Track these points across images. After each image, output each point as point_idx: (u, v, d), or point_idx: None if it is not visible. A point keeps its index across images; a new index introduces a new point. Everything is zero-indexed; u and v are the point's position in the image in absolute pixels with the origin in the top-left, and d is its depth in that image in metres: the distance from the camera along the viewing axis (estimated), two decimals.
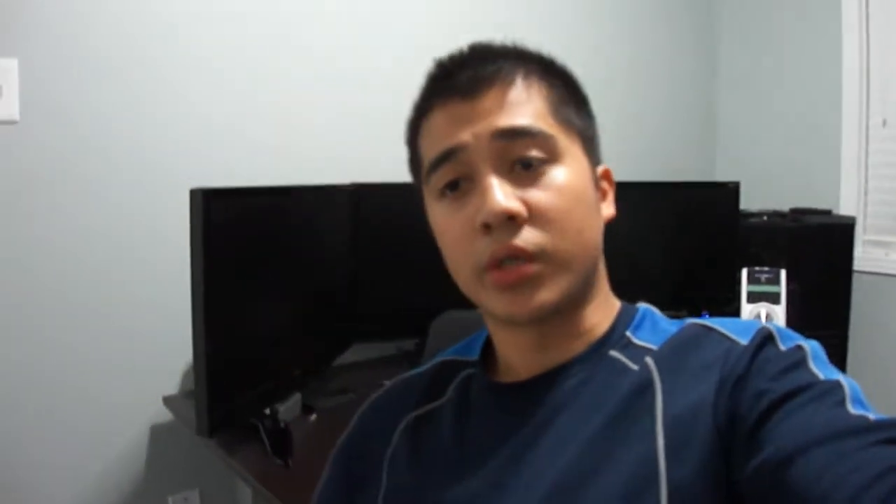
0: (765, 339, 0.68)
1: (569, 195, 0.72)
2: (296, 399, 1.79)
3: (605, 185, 0.81)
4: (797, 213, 2.75)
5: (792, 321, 2.13)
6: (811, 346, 0.67)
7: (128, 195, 1.94)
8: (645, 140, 2.94)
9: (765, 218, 2.73)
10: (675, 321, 0.78)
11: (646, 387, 0.70)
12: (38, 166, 1.82)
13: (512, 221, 0.69)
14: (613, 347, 0.76)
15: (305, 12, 2.23)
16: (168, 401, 1.98)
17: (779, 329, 0.69)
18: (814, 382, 0.62)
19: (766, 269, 2.19)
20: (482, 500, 0.72)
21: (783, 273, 2.16)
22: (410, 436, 0.83)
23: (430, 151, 0.75)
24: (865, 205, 2.84)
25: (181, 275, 1.48)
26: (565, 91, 0.78)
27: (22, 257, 1.81)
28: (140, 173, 1.95)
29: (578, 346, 0.76)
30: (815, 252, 2.60)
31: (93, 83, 1.88)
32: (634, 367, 0.73)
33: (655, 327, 0.78)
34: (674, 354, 0.72)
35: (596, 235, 0.76)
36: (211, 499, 2.14)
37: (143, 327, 1.98)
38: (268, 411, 1.66)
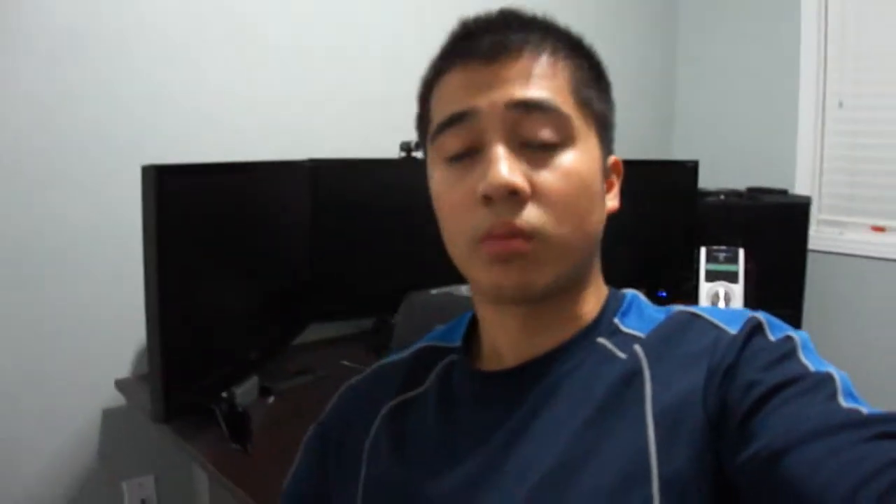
0: (754, 328, 0.67)
1: (576, 180, 0.69)
2: (253, 382, 1.75)
3: (612, 176, 0.79)
4: (754, 192, 2.78)
5: (749, 300, 2.15)
6: (801, 337, 0.66)
7: (80, 174, 1.88)
8: None
9: (722, 197, 2.76)
10: (662, 308, 0.77)
11: (634, 375, 0.68)
12: None
13: (514, 197, 0.66)
14: (601, 335, 0.74)
15: None
16: (121, 384, 1.93)
17: (768, 319, 0.69)
18: (805, 374, 0.61)
19: (724, 248, 2.20)
20: (469, 491, 0.70)
21: (741, 252, 2.18)
22: (391, 424, 0.81)
23: (440, 112, 0.72)
24: (820, 185, 2.89)
25: (135, 254, 1.43)
26: (590, 73, 0.75)
27: None
28: (93, 151, 1.89)
29: (566, 333, 0.75)
30: (772, 231, 2.64)
31: (48, 64, 1.81)
32: (622, 355, 0.71)
33: (642, 314, 0.77)
34: (662, 342, 0.71)
35: (596, 226, 0.73)
36: (166, 484, 2.10)
37: (95, 308, 1.92)
38: (224, 395, 1.62)
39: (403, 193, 1.86)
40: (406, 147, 2.20)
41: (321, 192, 2.11)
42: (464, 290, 1.99)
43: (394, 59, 2.35)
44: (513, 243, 0.67)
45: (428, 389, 0.82)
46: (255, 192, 1.79)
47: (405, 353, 0.89)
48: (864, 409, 0.57)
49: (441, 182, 0.73)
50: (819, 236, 2.83)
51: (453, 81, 0.72)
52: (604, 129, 0.75)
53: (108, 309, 1.93)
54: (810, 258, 2.72)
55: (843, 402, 0.58)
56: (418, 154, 2.03)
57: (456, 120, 0.70)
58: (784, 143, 2.94)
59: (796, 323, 2.63)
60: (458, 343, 0.84)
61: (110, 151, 1.91)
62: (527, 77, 0.69)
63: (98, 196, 1.90)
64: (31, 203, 1.82)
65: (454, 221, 0.71)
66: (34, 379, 1.85)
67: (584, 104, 0.72)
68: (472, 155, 0.70)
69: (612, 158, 0.78)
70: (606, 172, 0.77)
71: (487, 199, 0.67)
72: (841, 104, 2.79)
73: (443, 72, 0.74)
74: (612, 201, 0.78)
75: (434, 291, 1.33)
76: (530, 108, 0.68)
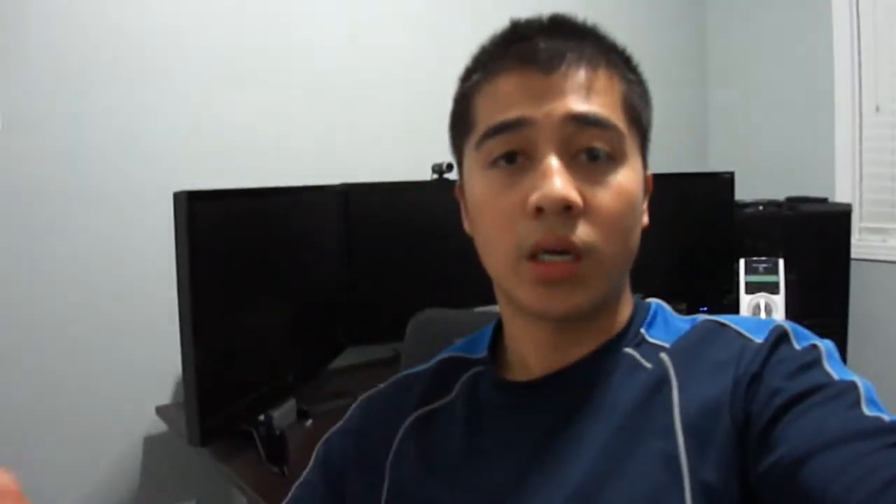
0: (780, 337, 0.66)
1: (625, 198, 0.68)
2: (290, 405, 1.76)
3: (646, 192, 0.78)
4: (793, 201, 2.73)
5: (790, 310, 2.11)
6: (826, 346, 0.66)
7: (115, 201, 1.92)
8: None
9: (760, 208, 2.71)
10: (687, 318, 0.77)
11: (661, 383, 0.68)
12: (21, 176, 1.79)
13: (567, 211, 0.65)
14: (628, 345, 0.74)
15: (293, 11, 2.21)
16: (161, 410, 1.95)
17: (793, 327, 0.68)
18: (829, 382, 0.61)
19: (763, 258, 2.17)
20: (501, 500, 0.69)
21: (781, 263, 2.14)
22: (415, 435, 0.80)
23: (490, 116, 0.70)
24: (861, 192, 2.83)
25: (171, 281, 1.45)
26: (639, 88, 0.74)
27: (9, 269, 1.79)
28: (126, 179, 1.93)
29: (594, 344, 0.74)
30: (812, 241, 2.59)
31: (74, 90, 1.86)
32: (648, 364, 0.71)
33: (668, 324, 0.76)
34: (688, 351, 0.70)
35: (637, 241, 0.72)
36: None
37: (134, 336, 1.95)
38: (262, 418, 1.63)
39: (436, 215, 1.85)
40: (438, 169, 2.21)
41: (354, 215, 2.12)
42: (493, 309, 1.99)
43: (423, 81, 2.37)
44: (563, 266, 0.66)
45: (454, 400, 0.81)
46: (287, 217, 1.80)
47: (427, 366, 0.88)
48: (887, 417, 0.57)
49: (486, 189, 0.71)
50: (862, 244, 2.76)
51: (507, 86, 0.70)
52: (645, 146, 0.75)
53: (148, 336, 1.96)
54: (853, 267, 2.66)
55: (867, 410, 0.58)
56: (450, 175, 2.03)
57: (508, 127, 0.68)
58: (822, 150, 2.89)
59: (842, 332, 2.58)
60: (483, 354, 0.83)
61: (148, 178, 1.95)
62: (585, 90, 0.68)
63: (133, 223, 1.94)
64: (68, 228, 1.86)
65: (499, 230, 0.69)
66: (76, 407, 1.88)
67: (634, 121, 0.72)
68: (520, 161, 0.68)
69: (647, 173, 0.77)
70: (646, 187, 0.76)
71: (539, 212, 0.65)
72: (878, 108, 2.73)
73: (494, 74, 0.71)
74: (645, 216, 0.77)
75: (442, 311, 1.32)
76: (588, 123, 0.67)
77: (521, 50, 0.69)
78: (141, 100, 1.95)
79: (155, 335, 1.94)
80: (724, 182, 2.65)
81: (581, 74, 0.68)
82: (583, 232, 0.66)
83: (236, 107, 2.11)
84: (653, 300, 0.81)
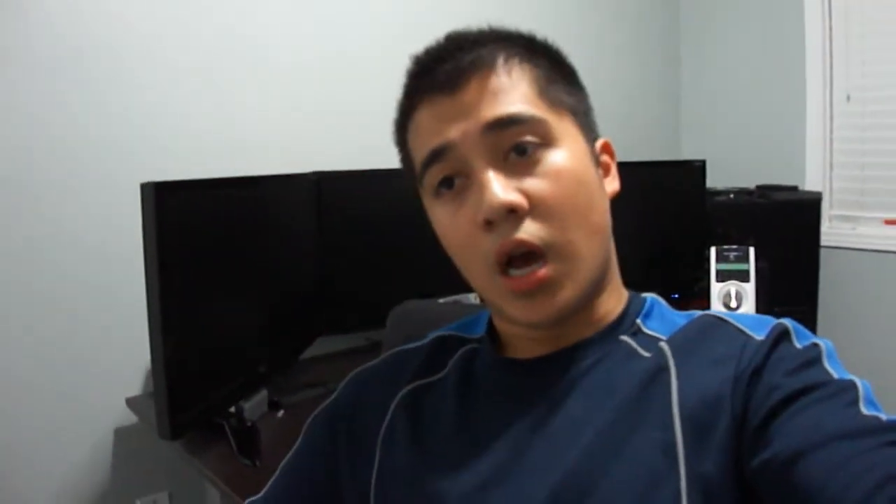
0: (781, 335, 0.67)
1: (568, 179, 0.69)
2: (262, 396, 1.75)
3: (605, 158, 0.79)
4: (764, 189, 2.76)
5: (760, 298, 2.13)
6: (826, 345, 0.66)
7: (84, 191, 1.89)
8: (609, 119, 2.86)
9: (731, 196, 2.74)
10: (683, 313, 0.77)
11: (660, 371, 0.69)
12: None
13: (513, 214, 0.66)
14: (624, 333, 0.75)
15: (263, 1, 2.18)
16: (131, 402, 1.93)
17: (794, 326, 0.69)
18: (828, 381, 0.62)
19: (734, 247, 2.18)
20: (489, 485, 0.70)
21: (752, 251, 2.15)
22: (408, 409, 0.81)
23: (419, 151, 0.73)
24: (831, 180, 2.86)
25: (140, 272, 1.43)
26: (551, 69, 0.74)
27: None
28: (95, 169, 1.90)
29: (589, 331, 0.75)
30: (783, 228, 2.61)
31: (46, 76, 1.82)
32: (646, 353, 0.71)
33: (664, 318, 0.77)
34: (688, 343, 0.71)
35: (603, 216, 0.73)
36: (181, 501, 2.10)
37: (104, 326, 1.93)
38: (233, 410, 1.62)
39: (409, 203, 1.84)
40: None
41: (327, 204, 2.11)
42: (471, 297, 1.98)
43: (397, 69, 2.33)
44: (532, 277, 0.67)
45: (448, 375, 0.81)
46: (258, 206, 1.78)
47: (421, 343, 0.88)
48: (884, 417, 0.57)
49: (440, 218, 0.73)
50: (832, 232, 2.80)
51: (422, 118, 0.72)
52: (581, 117, 0.75)
53: (117, 327, 1.93)
54: (823, 254, 2.70)
55: (864, 410, 0.59)
56: None
57: (436, 156, 0.70)
58: (792, 139, 2.92)
59: (812, 319, 2.61)
60: (479, 334, 0.84)
61: (115, 168, 1.92)
62: (489, 95, 0.69)
63: (105, 213, 1.91)
64: (36, 219, 1.83)
65: (465, 254, 0.72)
66: (45, 399, 1.86)
67: (554, 102, 0.72)
68: (459, 182, 0.70)
69: (600, 142, 0.78)
70: (597, 158, 0.76)
71: (489, 224, 0.67)
72: (849, 98, 2.76)
73: (410, 111, 0.74)
74: (612, 184, 0.78)
75: (422, 302, 1.32)
76: (504, 125, 0.68)
77: (425, 82, 0.72)
78: (108, 90, 1.92)
79: (125, 326, 1.91)
80: (695, 170, 2.67)
81: (482, 82, 0.69)
82: (534, 229, 0.67)
83: (205, 96, 2.08)
84: (648, 294, 0.81)
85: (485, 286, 0.72)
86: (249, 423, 1.57)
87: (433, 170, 0.71)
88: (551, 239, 0.67)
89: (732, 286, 2.16)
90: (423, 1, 2.50)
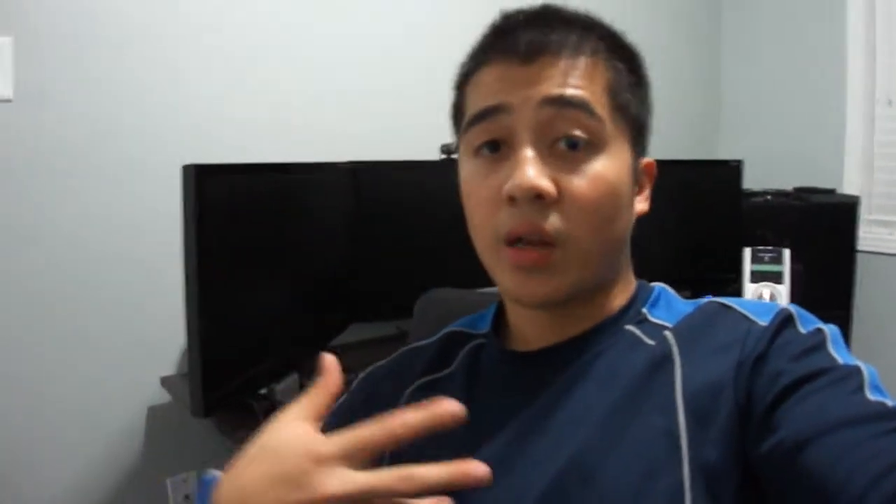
0: (785, 320, 0.67)
1: (603, 187, 0.69)
2: (293, 379, 1.77)
3: (644, 179, 0.79)
4: (801, 192, 2.72)
5: (795, 301, 2.10)
6: (830, 331, 0.66)
7: (123, 173, 1.92)
8: None
9: (768, 197, 2.71)
10: (690, 301, 0.77)
11: (664, 360, 0.69)
12: (31, 145, 1.79)
13: (539, 200, 0.67)
14: (629, 322, 0.75)
15: None
16: (166, 381, 1.96)
17: (799, 311, 0.69)
18: (833, 367, 0.61)
19: (769, 248, 2.17)
20: (495, 473, 0.70)
21: (786, 252, 2.14)
22: (416, 403, 0.81)
23: (473, 105, 0.73)
24: (870, 184, 2.81)
25: (178, 254, 1.45)
26: (629, 75, 0.74)
27: (15, 238, 1.79)
28: (135, 151, 1.93)
29: (595, 321, 0.75)
30: (819, 232, 2.59)
31: (88, 61, 1.85)
32: (651, 342, 0.72)
33: (671, 306, 0.77)
34: (692, 331, 0.71)
35: (622, 230, 0.73)
36: None
37: (141, 307, 1.96)
38: (264, 391, 1.64)
39: (443, 195, 1.84)
40: (446, 149, 2.21)
41: (362, 193, 2.12)
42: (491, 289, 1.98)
43: (435, 59, 2.34)
44: (535, 254, 0.67)
45: (455, 370, 0.83)
46: (295, 193, 1.81)
47: (431, 339, 0.89)
48: (889, 402, 0.57)
49: (469, 176, 0.73)
50: (868, 236, 2.76)
51: (489, 76, 0.72)
52: (637, 133, 0.75)
53: (154, 307, 1.96)
54: (860, 259, 2.66)
55: (870, 395, 0.58)
56: (458, 156, 2.03)
57: (487, 114, 0.70)
58: (832, 141, 2.88)
59: (846, 325, 2.58)
60: (486, 329, 0.85)
61: (152, 152, 1.94)
62: (563, 77, 0.69)
63: (142, 195, 1.94)
64: (70, 203, 1.86)
65: (479, 217, 0.72)
66: (80, 377, 1.89)
67: (619, 108, 0.72)
68: (503, 152, 0.70)
69: (643, 161, 0.78)
70: (637, 176, 0.76)
71: (512, 200, 0.67)
72: (890, 102, 2.72)
73: (480, 64, 0.74)
74: (642, 204, 0.78)
75: (450, 291, 1.32)
76: (564, 105, 0.68)
77: (504, 42, 0.71)
78: (151, 73, 1.94)
79: (161, 307, 1.94)
80: (732, 170, 2.65)
81: (561, 63, 0.69)
82: (555, 220, 0.67)
83: (248, 82, 2.10)
84: (657, 284, 0.81)
85: (488, 254, 0.72)
86: (279, 405, 1.59)
87: (479, 128, 0.71)
88: (567, 234, 0.67)
89: (766, 288, 2.15)
90: None
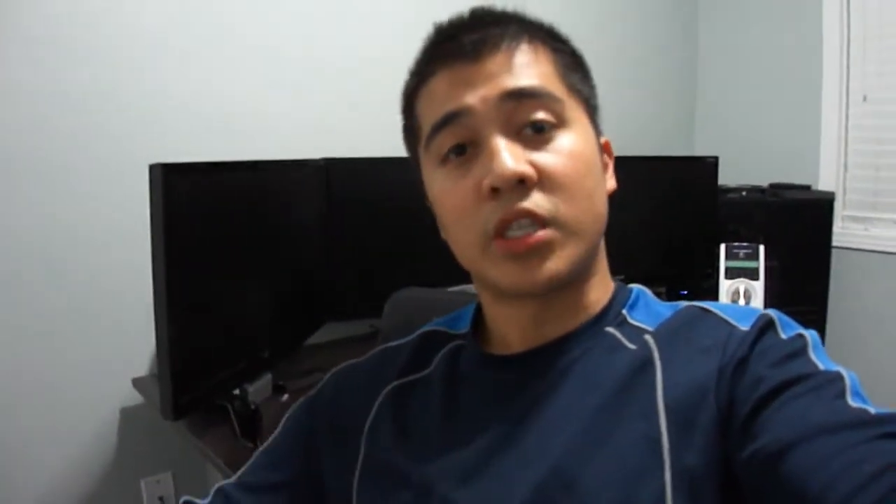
0: (766, 325, 0.67)
1: (579, 160, 0.70)
2: (266, 379, 1.76)
3: (605, 157, 0.79)
4: (776, 188, 2.74)
5: (770, 297, 2.12)
6: (811, 336, 0.66)
7: (91, 174, 1.89)
8: (623, 114, 2.84)
9: (743, 193, 2.72)
10: (668, 304, 0.77)
11: (645, 364, 0.69)
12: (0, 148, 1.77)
13: (521, 185, 0.67)
14: (610, 324, 0.75)
15: None
16: (138, 383, 1.95)
17: (779, 316, 0.68)
18: (814, 372, 0.61)
19: (744, 244, 2.17)
20: (473, 477, 0.70)
21: (762, 249, 2.14)
22: (394, 405, 0.81)
23: (430, 116, 0.72)
24: (845, 180, 2.83)
25: (147, 254, 1.43)
26: (570, 58, 0.76)
27: None
28: (105, 153, 1.91)
29: (575, 322, 0.75)
30: (794, 228, 2.60)
31: (53, 62, 1.82)
32: (631, 346, 0.71)
33: (649, 308, 0.77)
34: (672, 335, 0.71)
35: (603, 204, 0.74)
36: (184, 481, 2.11)
37: (111, 308, 1.94)
38: (237, 392, 1.63)
39: (417, 191, 1.85)
40: None
41: (335, 190, 2.11)
42: (469, 288, 1.98)
43: (406, 56, 2.33)
44: (528, 238, 0.67)
45: (433, 372, 0.82)
46: (266, 191, 1.79)
47: (407, 339, 0.89)
48: (872, 409, 0.57)
49: (442, 183, 0.73)
50: (844, 233, 2.78)
51: (440, 84, 0.72)
52: (592, 111, 0.76)
53: (125, 308, 1.94)
54: (835, 255, 2.68)
55: (851, 402, 0.58)
56: None
57: (450, 119, 0.70)
58: (807, 138, 2.90)
59: (821, 321, 2.60)
60: (465, 329, 0.84)
61: (121, 152, 1.92)
62: (512, 67, 0.70)
63: (109, 197, 1.92)
64: (39, 204, 1.83)
65: (461, 221, 0.71)
66: (51, 379, 1.87)
67: (571, 88, 0.73)
68: (469, 151, 0.70)
69: (603, 139, 0.79)
70: (601, 153, 0.77)
71: (495, 192, 0.67)
72: (865, 98, 2.73)
73: (427, 77, 0.74)
74: (610, 181, 0.79)
75: (421, 290, 1.32)
76: (523, 96, 0.69)
77: (447, 48, 0.72)
78: (122, 74, 1.92)
79: (133, 308, 1.93)
80: (708, 166, 2.66)
81: (505, 54, 0.70)
82: (541, 200, 0.67)
83: (216, 82, 2.08)
84: (635, 285, 0.81)
85: (475, 256, 0.71)
86: (253, 406, 1.58)
87: (444, 134, 0.71)
88: (556, 211, 0.67)
89: (741, 284, 2.15)
90: None
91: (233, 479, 0.87)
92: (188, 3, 2.03)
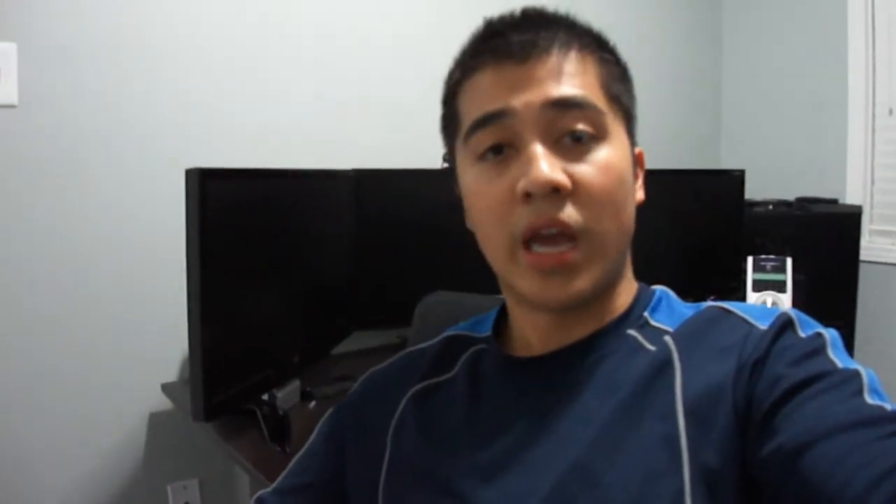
0: (784, 324, 0.67)
1: (613, 174, 0.70)
2: (294, 386, 1.77)
3: (637, 168, 0.80)
4: (803, 202, 2.72)
5: (797, 310, 2.11)
6: (830, 335, 0.66)
7: (125, 179, 1.93)
8: (649, 127, 2.84)
9: (770, 207, 2.71)
10: (691, 304, 0.77)
11: (665, 365, 0.69)
12: (35, 151, 1.81)
13: (555, 194, 0.67)
14: (631, 327, 0.75)
15: None
16: (167, 388, 1.96)
17: (798, 315, 0.69)
18: (832, 371, 0.61)
19: (771, 257, 2.16)
20: (495, 476, 0.71)
21: (789, 261, 2.13)
22: (418, 406, 0.82)
23: (472, 111, 0.73)
24: (872, 194, 2.81)
25: (180, 259, 1.45)
26: (616, 68, 0.76)
27: (18, 243, 1.80)
28: (138, 158, 1.94)
29: (598, 325, 0.75)
30: (821, 241, 2.58)
31: (91, 67, 1.86)
32: (652, 347, 0.72)
33: (672, 310, 0.77)
34: (692, 335, 0.71)
35: (631, 218, 0.74)
36: (210, 487, 2.12)
37: (142, 313, 1.96)
38: (266, 397, 1.64)
39: (446, 203, 1.85)
40: (448, 158, 2.21)
41: (365, 201, 2.13)
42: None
43: (438, 67, 2.34)
44: (557, 256, 0.68)
45: (456, 375, 0.83)
46: (298, 200, 1.80)
47: (432, 342, 0.90)
48: (888, 406, 0.57)
49: (476, 181, 0.73)
50: (871, 246, 2.75)
51: (485, 81, 0.72)
52: (630, 122, 0.76)
53: (155, 314, 1.97)
54: (862, 269, 2.65)
55: (869, 399, 0.58)
56: None
57: (491, 119, 0.70)
58: (833, 152, 2.88)
59: (848, 335, 2.57)
60: (487, 333, 0.85)
61: (157, 159, 1.95)
62: (559, 75, 0.70)
63: (143, 201, 1.95)
64: (76, 209, 1.87)
65: (492, 220, 0.72)
66: (82, 383, 1.90)
67: (613, 99, 0.73)
68: (507, 152, 0.71)
69: (637, 150, 0.79)
70: (634, 164, 0.77)
71: (527, 197, 0.67)
72: (891, 111, 2.71)
73: (472, 71, 0.74)
74: (640, 192, 0.79)
75: (451, 294, 1.32)
76: (566, 105, 0.69)
77: (496, 45, 0.72)
78: (154, 79, 1.95)
79: (163, 313, 1.95)
80: (734, 180, 2.65)
81: (554, 60, 0.70)
82: (573, 211, 0.67)
83: (250, 88, 2.11)
84: (658, 287, 0.82)
85: (503, 258, 0.72)
86: (282, 412, 1.59)
87: (484, 133, 0.71)
88: (587, 225, 0.68)
89: (769, 296, 2.14)
90: (470, 2, 2.50)
91: (269, 489, 0.88)
92: (226, 13, 2.06)
